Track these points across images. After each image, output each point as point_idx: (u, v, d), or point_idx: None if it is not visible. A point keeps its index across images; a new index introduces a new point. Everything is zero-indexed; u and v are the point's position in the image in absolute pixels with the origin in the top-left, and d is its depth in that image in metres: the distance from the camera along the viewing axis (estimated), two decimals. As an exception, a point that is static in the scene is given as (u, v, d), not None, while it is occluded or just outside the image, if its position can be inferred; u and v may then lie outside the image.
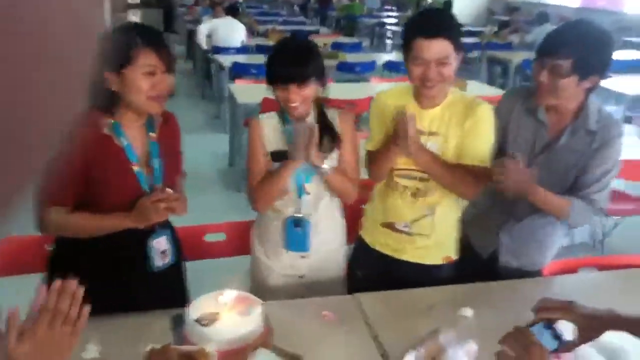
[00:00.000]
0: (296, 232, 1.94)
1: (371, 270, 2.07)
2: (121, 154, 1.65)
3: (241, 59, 6.50)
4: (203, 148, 5.42)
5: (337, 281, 2.07)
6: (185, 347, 1.43)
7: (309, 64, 1.82)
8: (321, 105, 1.94)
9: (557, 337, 1.28)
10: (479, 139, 1.91)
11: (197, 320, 1.54)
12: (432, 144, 1.91)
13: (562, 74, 1.83)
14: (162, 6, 14.61)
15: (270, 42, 8.15)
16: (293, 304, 1.85)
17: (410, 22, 1.93)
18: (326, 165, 1.86)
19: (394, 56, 7.00)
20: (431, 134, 1.92)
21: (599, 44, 1.85)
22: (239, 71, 6.01)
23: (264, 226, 2.02)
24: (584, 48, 1.81)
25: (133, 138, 1.68)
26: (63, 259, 1.72)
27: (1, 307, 1.27)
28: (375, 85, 5.35)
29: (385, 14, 14.32)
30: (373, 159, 1.99)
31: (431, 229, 1.99)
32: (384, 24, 12.50)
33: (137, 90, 1.58)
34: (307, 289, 1.99)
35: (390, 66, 6.58)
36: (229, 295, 1.62)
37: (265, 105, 4.44)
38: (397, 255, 2.03)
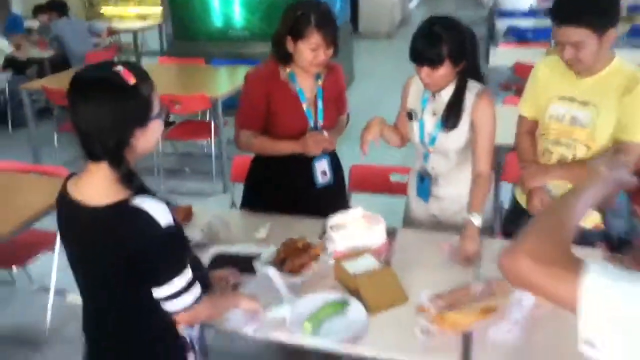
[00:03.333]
0: (420, 184, 2.24)
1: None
2: (294, 96, 2.20)
3: (525, 23, 6.43)
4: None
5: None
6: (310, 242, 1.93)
7: (441, 47, 1.91)
8: (463, 81, 2.06)
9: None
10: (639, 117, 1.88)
11: (330, 227, 2.02)
12: (583, 114, 1.96)
13: None
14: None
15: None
16: (421, 233, 2.20)
17: (552, 4, 1.92)
18: None
19: None
20: (583, 103, 1.96)
21: None
22: (515, 35, 6.00)
23: (413, 172, 2.35)
24: None
25: (304, 84, 2.21)
26: (257, 170, 2.39)
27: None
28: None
29: None
30: (518, 143, 2.19)
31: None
32: None
33: (303, 58, 2.10)
34: (443, 228, 2.23)
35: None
36: (359, 212, 2.06)
37: (518, 70, 4.49)
38: None
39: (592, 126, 1.94)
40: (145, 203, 1.35)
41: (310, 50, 2.07)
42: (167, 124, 4.95)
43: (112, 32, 6.85)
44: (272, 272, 1.82)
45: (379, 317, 1.69)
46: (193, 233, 2.09)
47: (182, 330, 1.53)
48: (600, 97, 1.92)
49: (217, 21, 6.02)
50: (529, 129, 2.18)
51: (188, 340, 1.55)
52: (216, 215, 2.18)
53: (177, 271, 1.41)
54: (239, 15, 5.95)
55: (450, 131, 2.09)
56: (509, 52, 4.97)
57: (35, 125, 4.97)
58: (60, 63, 5.74)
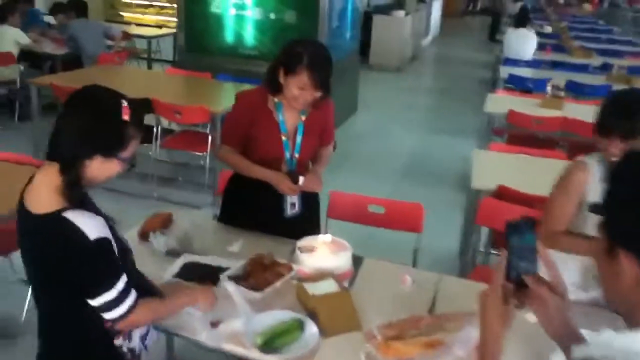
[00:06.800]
0: None
1: None
2: (276, 126, 2.29)
3: (526, 72, 6.57)
4: (454, 150, 5.86)
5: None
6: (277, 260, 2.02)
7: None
8: None
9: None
10: None
11: (298, 248, 2.11)
12: None
13: None
14: (491, 14, 15.11)
15: (572, 59, 7.76)
16: (387, 264, 2.27)
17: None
18: None
19: None
20: None
21: None
22: (515, 83, 6.15)
23: None
24: None
25: (287, 116, 2.30)
26: (232, 187, 2.48)
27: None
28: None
29: None
30: None
31: None
32: None
33: (290, 93, 2.18)
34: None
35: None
36: (328, 238, 2.15)
37: (511, 118, 4.60)
38: None
39: None
40: (76, 216, 1.40)
41: (297, 88, 2.15)
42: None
43: (126, 36, 7.02)
44: (231, 287, 1.89)
45: (330, 339, 1.77)
46: (169, 240, 2.19)
47: (120, 341, 1.59)
48: None
49: (229, 37, 6.19)
50: None
51: (125, 350, 1.61)
52: (194, 225, 2.27)
53: (106, 284, 1.45)
54: (250, 34, 6.12)
55: None
56: (505, 99, 5.08)
57: (39, 119, 5.09)
58: (72, 61, 5.88)
